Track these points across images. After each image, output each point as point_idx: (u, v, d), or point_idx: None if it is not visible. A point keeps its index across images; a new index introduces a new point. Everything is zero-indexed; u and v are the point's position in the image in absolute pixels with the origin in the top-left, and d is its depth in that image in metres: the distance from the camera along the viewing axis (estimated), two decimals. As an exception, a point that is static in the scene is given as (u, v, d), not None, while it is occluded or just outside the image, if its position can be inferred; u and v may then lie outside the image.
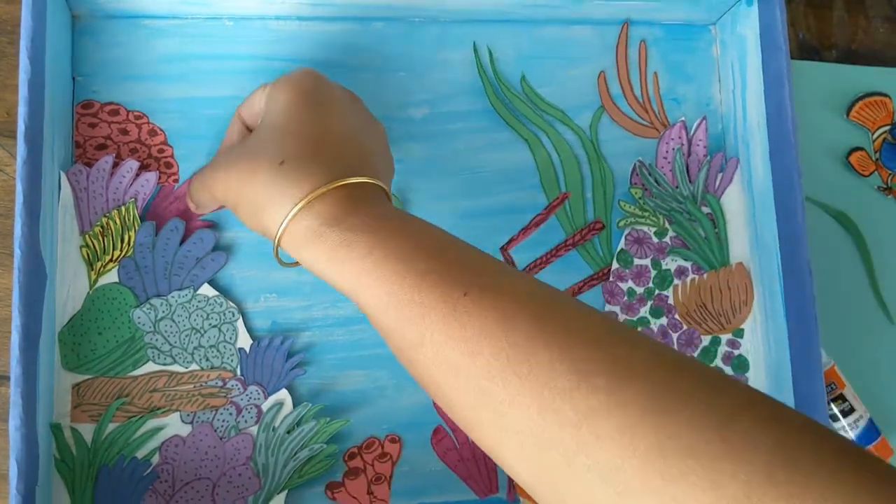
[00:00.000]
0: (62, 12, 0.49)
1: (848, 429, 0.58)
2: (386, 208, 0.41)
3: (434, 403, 0.52)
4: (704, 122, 0.57)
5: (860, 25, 0.63)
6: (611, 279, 0.55)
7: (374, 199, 0.41)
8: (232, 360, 0.50)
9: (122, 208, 0.49)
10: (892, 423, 0.60)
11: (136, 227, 0.49)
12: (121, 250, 0.49)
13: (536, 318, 0.35)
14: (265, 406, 0.50)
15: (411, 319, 0.37)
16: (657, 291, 0.56)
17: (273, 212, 0.40)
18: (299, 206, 0.39)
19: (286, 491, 0.49)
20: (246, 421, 0.50)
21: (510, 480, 0.52)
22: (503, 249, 0.55)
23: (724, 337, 0.56)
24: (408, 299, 0.37)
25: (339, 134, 0.43)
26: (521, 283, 0.38)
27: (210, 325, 0.50)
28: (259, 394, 0.50)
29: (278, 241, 0.40)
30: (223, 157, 0.45)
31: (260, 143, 0.43)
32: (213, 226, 0.51)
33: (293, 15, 0.54)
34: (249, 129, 0.48)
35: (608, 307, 0.55)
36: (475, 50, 0.56)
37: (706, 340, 0.56)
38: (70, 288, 0.49)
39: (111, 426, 0.48)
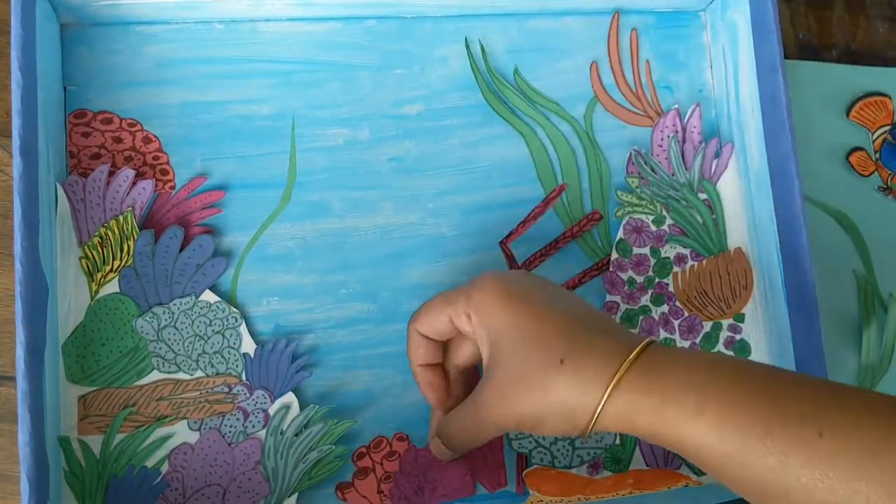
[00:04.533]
0: (50, 21, 0.49)
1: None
2: (677, 357, 0.40)
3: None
4: (698, 108, 0.57)
5: (860, 25, 0.63)
6: (611, 269, 0.56)
7: (661, 352, 0.40)
8: (237, 366, 0.50)
9: (120, 217, 0.49)
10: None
11: (135, 236, 0.49)
12: (120, 260, 0.49)
13: None
14: (272, 410, 0.50)
15: (769, 469, 0.36)
16: (657, 279, 0.56)
17: (584, 406, 0.39)
18: (610, 386, 0.39)
19: (296, 494, 0.49)
20: (253, 426, 0.49)
21: (518, 474, 0.53)
22: (502, 244, 0.55)
23: (726, 322, 0.56)
24: (762, 450, 0.36)
25: (573, 311, 0.43)
26: (868, 413, 0.36)
27: (213, 331, 0.50)
28: (265, 398, 0.50)
29: (593, 426, 0.40)
30: (482, 396, 0.43)
31: (519, 358, 0.41)
32: (211, 231, 0.51)
33: (284, 16, 0.53)
34: (434, 340, 0.47)
35: (609, 297, 0.55)
36: (467, 45, 0.56)
37: (707, 326, 0.56)
38: (71, 300, 0.48)
39: (119, 437, 0.48)
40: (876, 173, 0.61)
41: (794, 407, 0.37)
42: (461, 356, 0.47)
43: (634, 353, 0.39)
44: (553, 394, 0.40)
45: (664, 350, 0.41)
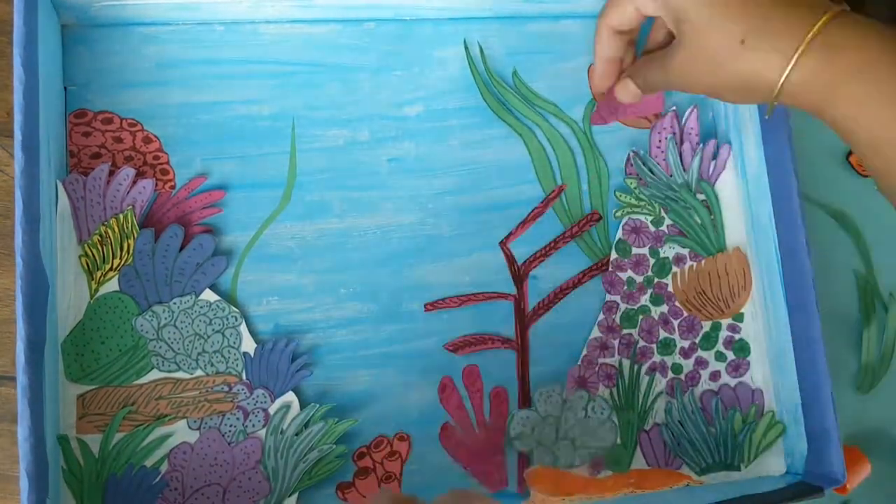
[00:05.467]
0: (52, 21, 0.49)
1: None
2: (857, 35, 0.41)
3: (440, 399, 0.52)
4: (696, 110, 0.58)
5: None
6: (610, 269, 0.56)
7: (844, 25, 0.41)
8: (237, 365, 0.50)
9: (121, 216, 0.49)
10: (892, 421, 0.60)
11: (135, 235, 0.49)
12: (120, 258, 0.49)
13: None
14: (272, 409, 0.50)
15: None
16: (656, 279, 0.56)
17: (765, 80, 0.42)
18: (790, 66, 0.41)
19: (297, 493, 0.49)
20: (253, 425, 0.49)
21: (520, 474, 0.52)
22: (502, 244, 0.55)
23: (725, 322, 0.56)
24: None
25: None
26: None
27: (213, 330, 0.50)
28: (266, 397, 0.50)
29: (776, 98, 0.42)
30: (672, 63, 0.47)
31: (702, 38, 0.44)
32: (211, 231, 0.51)
33: (284, 18, 0.54)
34: (623, 33, 0.51)
35: (609, 297, 0.55)
36: (466, 47, 0.56)
37: (707, 326, 0.56)
38: (71, 298, 0.48)
39: (118, 436, 0.48)
40: (875, 173, 0.62)
41: None
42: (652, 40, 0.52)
43: (816, 27, 0.41)
44: (732, 72, 0.43)
45: (844, 22, 0.41)
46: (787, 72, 0.41)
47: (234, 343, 0.50)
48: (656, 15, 0.47)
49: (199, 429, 0.49)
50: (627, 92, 0.52)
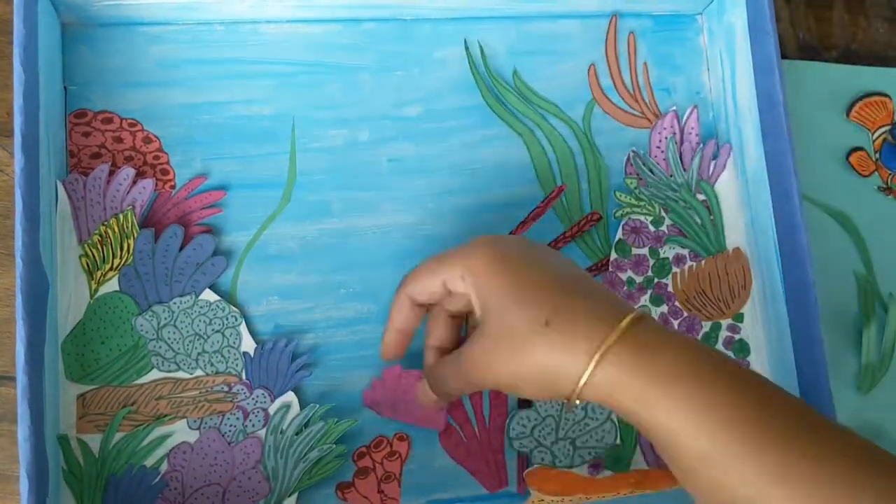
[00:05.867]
0: (52, 21, 0.49)
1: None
2: (666, 339, 0.39)
3: (440, 400, 0.52)
4: (696, 110, 0.58)
5: (860, 25, 0.64)
6: (610, 269, 0.56)
7: (652, 329, 0.40)
8: (237, 365, 0.50)
9: (121, 216, 0.49)
10: (892, 421, 0.60)
11: (135, 235, 0.49)
12: (120, 258, 0.49)
13: (889, 488, 0.34)
14: (272, 409, 0.50)
15: (741, 475, 0.35)
16: (656, 280, 0.56)
17: (567, 373, 0.39)
18: (597, 356, 0.38)
19: (296, 493, 0.49)
20: (253, 425, 0.49)
21: (519, 474, 0.52)
22: (502, 244, 0.55)
23: (725, 322, 0.56)
24: (738, 453, 0.35)
25: (565, 275, 0.42)
26: (858, 443, 0.36)
27: (213, 330, 0.50)
28: (265, 397, 0.50)
29: (577, 395, 0.39)
30: (466, 354, 0.42)
31: (505, 320, 0.40)
32: (211, 231, 0.51)
33: (284, 18, 0.54)
34: (423, 306, 0.46)
35: (609, 297, 0.55)
36: (466, 47, 0.56)
37: (707, 326, 0.56)
38: (71, 298, 0.48)
39: (118, 435, 0.48)
40: (876, 173, 0.62)
41: (780, 419, 0.36)
42: (454, 306, 0.46)
43: (625, 323, 0.38)
44: (534, 356, 0.39)
45: (652, 326, 0.40)
46: (596, 358, 0.38)
47: (234, 343, 0.50)
48: (465, 293, 0.43)
49: (198, 429, 0.49)
50: (428, 398, 0.48)
